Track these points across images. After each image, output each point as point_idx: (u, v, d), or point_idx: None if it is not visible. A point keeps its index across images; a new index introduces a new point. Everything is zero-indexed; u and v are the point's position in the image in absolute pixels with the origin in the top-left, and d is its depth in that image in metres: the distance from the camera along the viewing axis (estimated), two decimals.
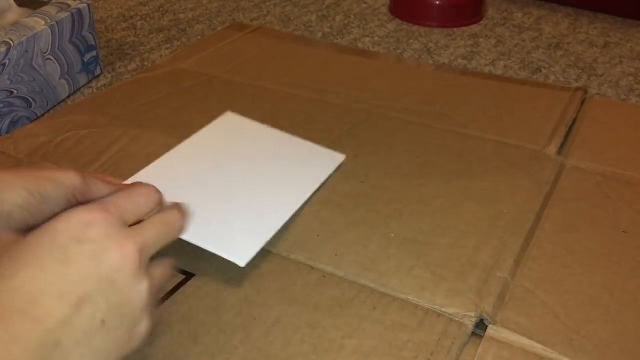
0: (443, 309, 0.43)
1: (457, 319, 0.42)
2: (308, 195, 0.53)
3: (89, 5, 0.81)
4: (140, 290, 0.29)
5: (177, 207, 0.35)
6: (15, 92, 0.71)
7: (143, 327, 0.29)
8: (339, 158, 0.58)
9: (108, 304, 0.27)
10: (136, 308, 0.29)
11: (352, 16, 1.08)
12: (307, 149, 0.59)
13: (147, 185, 0.34)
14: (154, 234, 0.31)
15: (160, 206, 0.34)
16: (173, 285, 0.44)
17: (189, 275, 0.45)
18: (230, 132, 0.59)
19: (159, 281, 0.32)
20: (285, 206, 0.51)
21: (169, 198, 0.49)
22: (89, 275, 0.27)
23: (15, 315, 0.25)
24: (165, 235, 0.32)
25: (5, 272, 0.26)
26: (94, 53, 0.84)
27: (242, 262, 0.43)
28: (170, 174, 0.52)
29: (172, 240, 0.33)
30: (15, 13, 0.81)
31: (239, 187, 0.52)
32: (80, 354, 0.26)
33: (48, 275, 0.26)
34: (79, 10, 0.79)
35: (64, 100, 0.79)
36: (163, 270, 0.33)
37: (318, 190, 0.54)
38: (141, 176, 0.52)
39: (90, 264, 0.27)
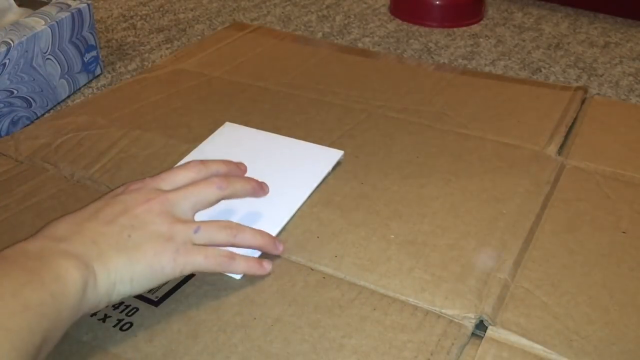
0: (443, 310, 0.43)
1: (456, 320, 0.42)
2: (306, 196, 0.53)
3: (89, 5, 0.81)
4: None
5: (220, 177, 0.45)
6: (15, 92, 0.71)
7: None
8: (337, 154, 0.58)
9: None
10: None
11: (352, 16, 1.08)
12: (304, 148, 0.60)
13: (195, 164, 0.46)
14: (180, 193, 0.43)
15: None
16: (173, 285, 0.44)
17: (188, 275, 0.45)
18: (229, 143, 0.61)
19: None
20: (284, 210, 0.51)
21: None
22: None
23: None
24: (193, 195, 0.43)
25: None
26: (94, 53, 0.84)
27: (237, 275, 0.45)
28: None
29: (207, 199, 0.44)
30: (15, 13, 0.81)
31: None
32: None
33: None
34: (79, 10, 0.80)
35: (64, 100, 0.79)
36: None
37: (318, 187, 0.55)
38: None
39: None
